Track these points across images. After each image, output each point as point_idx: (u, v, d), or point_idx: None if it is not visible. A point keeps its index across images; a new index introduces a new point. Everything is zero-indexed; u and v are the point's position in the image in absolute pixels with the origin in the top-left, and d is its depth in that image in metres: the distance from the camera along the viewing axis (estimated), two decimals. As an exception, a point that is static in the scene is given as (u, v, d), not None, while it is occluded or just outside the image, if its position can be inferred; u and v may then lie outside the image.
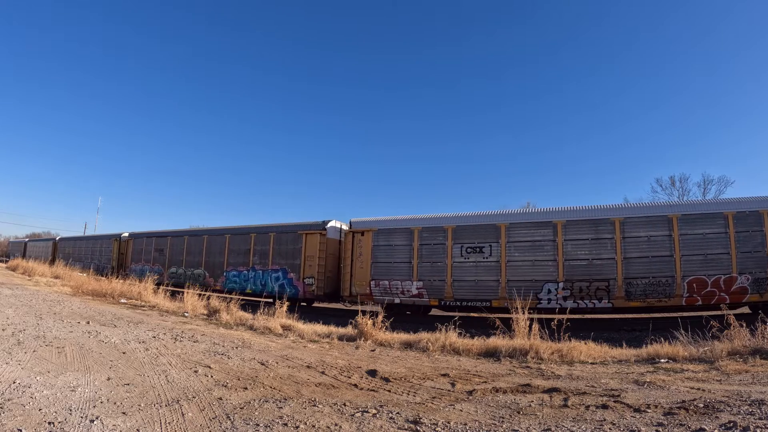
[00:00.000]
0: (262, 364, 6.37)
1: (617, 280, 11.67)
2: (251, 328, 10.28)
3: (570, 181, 78.95)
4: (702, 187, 34.31)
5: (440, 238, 13.79)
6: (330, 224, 17.24)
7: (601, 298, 11.75)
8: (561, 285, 12.10)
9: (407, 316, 14.07)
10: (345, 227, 17.19)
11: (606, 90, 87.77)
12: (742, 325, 7.09)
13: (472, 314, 13.31)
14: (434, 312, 14.41)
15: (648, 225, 11.71)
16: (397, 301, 14.12)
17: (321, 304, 17.73)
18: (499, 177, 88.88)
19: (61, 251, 36.67)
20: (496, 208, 15.60)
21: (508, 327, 8.49)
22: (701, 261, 11.22)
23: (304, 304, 17.18)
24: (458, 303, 13.10)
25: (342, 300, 16.02)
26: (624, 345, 7.79)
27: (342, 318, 12.87)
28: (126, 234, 28.18)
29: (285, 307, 11.66)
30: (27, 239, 55.31)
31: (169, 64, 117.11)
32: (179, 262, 22.62)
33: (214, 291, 18.81)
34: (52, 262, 34.01)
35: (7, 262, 42.78)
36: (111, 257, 28.58)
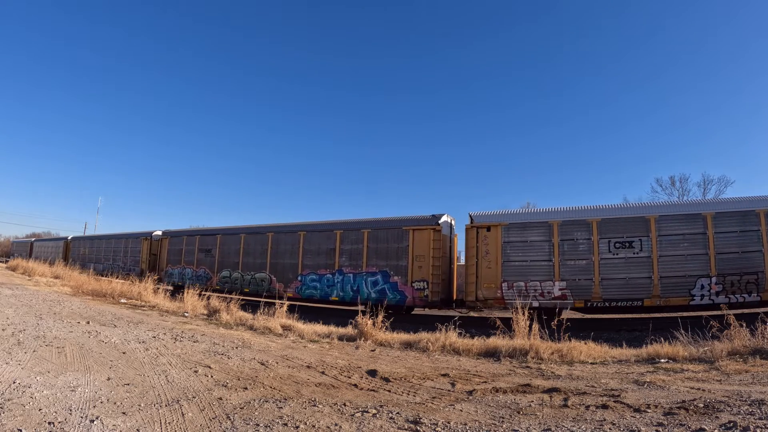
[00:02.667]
0: (262, 364, 6.37)
1: (765, 273, 11.43)
2: (251, 328, 10.28)
3: (570, 182, 78.99)
4: (702, 187, 34.25)
5: (584, 232, 12.79)
6: (442, 219, 14.99)
7: (751, 292, 11.44)
8: (714, 280, 11.67)
9: (413, 317, 13.93)
10: (453, 221, 15.90)
11: (605, 91, 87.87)
12: (742, 325, 7.09)
13: (620, 315, 12.59)
14: (572, 314, 13.40)
15: None
16: (535, 304, 12.69)
17: (428, 312, 15.19)
18: (499, 177, 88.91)
19: (75, 252, 34.01)
20: (497, 208, 15.44)
21: (508, 327, 8.49)
22: None
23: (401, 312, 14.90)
24: (606, 303, 12.20)
25: (463, 306, 14.21)
26: (624, 345, 7.79)
27: (342, 318, 12.86)
28: (159, 232, 25.18)
29: (285, 307, 11.64)
30: (33, 239, 52.55)
31: (171, 66, 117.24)
32: (233, 264, 19.53)
33: (285, 299, 17.00)
34: (64, 263, 30.94)
35: (7, 262, 41.35)
36: (140, 259, 25.59)
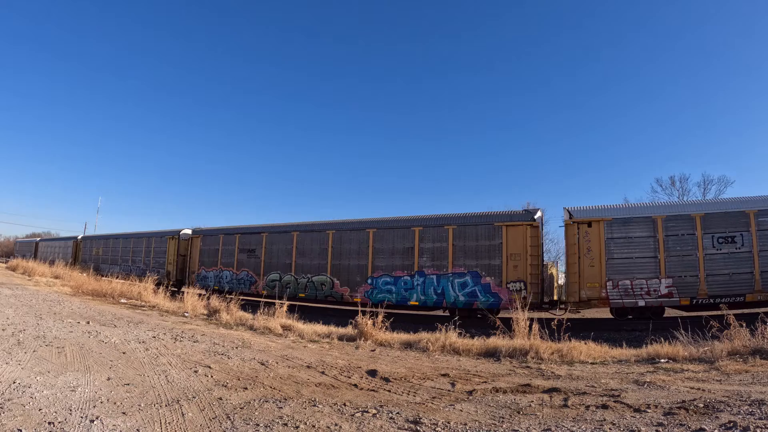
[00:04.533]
0: (262, 364, 6.38)
1: None
2: (251, 328, 10.29)
3: (570, 182, 78.98)
4: (702, 187, 34.25)
5: (687, 227, 12.45)
6: (537, 214, 13.91)
7: None
8: None
9: (416, 318, 13.79)
10: (543, 217, 14.97)
11: (604, 91, 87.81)
12: (742, 325, 7.09)
13: (722, 312, 12.62)
14: (671, 312, 12.99)
15: None
16: (641, 303, 12.30)
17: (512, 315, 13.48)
18: (499, 177, 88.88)
19: (86, 252, 31.96)
20: (497, 208, 15.31)
21: (507, 327, 8.49)
22: None
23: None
24: (711, 300, 11.94)
25: (555, 307, 13.60)
26: (624, 345, 7.80)
27: (342, 318, 12.86)
28: (188, 230, 23.01)
29: (285, 307, 11.64)
30: (38, 239, 51.11)
31: (176, 61, 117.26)
32: (284, 266, 17.69)
33: (351, 304, 15.20)
34: (73, 265, 29.19)
35: (7, 261, 40.84)
36: (166, 261, 23.26)
